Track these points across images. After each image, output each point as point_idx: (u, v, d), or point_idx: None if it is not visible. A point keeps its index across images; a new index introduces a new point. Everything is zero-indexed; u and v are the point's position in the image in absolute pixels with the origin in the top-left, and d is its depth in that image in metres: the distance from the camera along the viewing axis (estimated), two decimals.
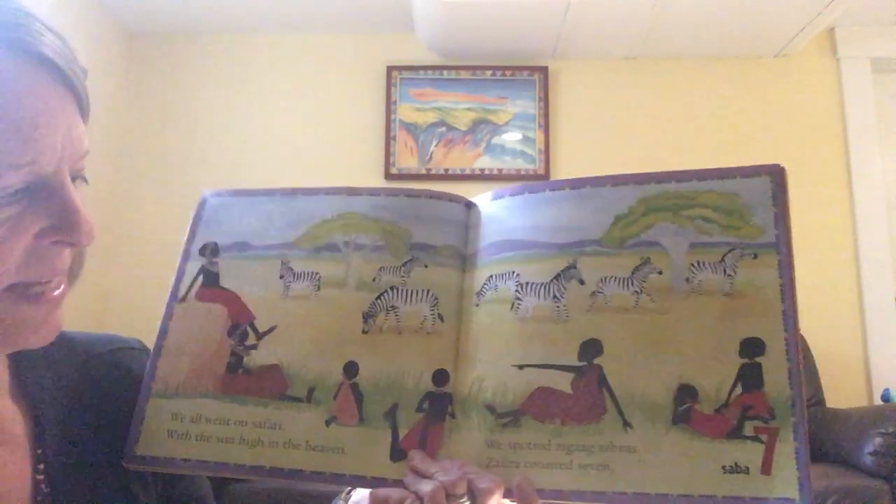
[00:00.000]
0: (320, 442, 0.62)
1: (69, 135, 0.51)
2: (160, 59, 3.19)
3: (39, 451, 0.59)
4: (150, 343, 0.70)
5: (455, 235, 0.68)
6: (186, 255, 0.71)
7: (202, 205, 0.73)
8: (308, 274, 0.68)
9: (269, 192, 0.72)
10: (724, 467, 0.56)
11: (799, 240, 2.47)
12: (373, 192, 0.70)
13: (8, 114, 0.47)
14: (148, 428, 0.64)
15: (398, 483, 0.60)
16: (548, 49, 3.09)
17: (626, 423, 0.59)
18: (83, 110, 0.54)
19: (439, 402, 0.63)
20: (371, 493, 0.62)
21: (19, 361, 0.61)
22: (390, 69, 3.13)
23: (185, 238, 0.71)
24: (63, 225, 0.51)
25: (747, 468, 0.55)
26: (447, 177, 3.06)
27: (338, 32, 3.20)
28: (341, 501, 0.66)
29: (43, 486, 0.58)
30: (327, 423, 0.63)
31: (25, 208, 0.49)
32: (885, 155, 3.11)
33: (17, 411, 0.60)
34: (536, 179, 3.06)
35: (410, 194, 0.69)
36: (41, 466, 0.58)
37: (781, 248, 0.60)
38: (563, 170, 3.09)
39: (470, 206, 0.70)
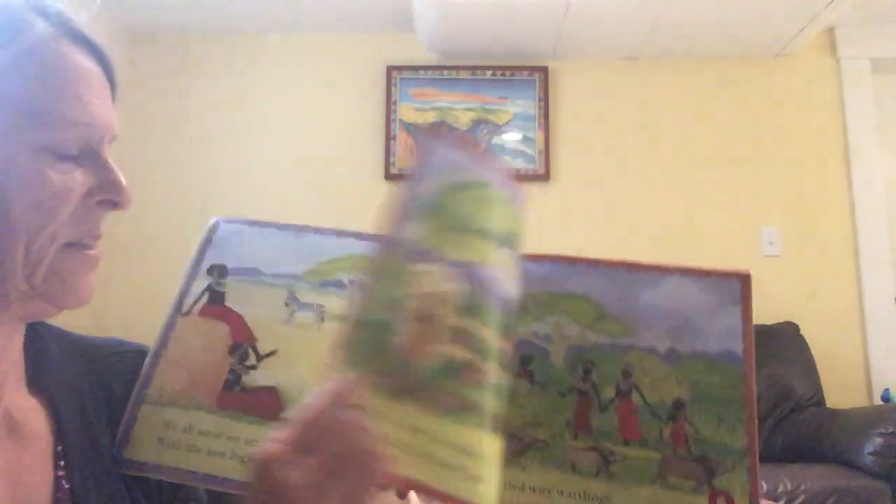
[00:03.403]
0: None
1: (110, 114, 0.58)
2: (160, 59, 3.19)
3: (60, 448, 0.60)
4: None
5: None
6: (193, 274, 0.71)
7: (213, 229, 0.74)
8: (313, 305, 0.69)
9: (282, 227, 0.74)
10: None
11: (799, 240, 2.48)
12: (376, 238, 0.71)
13: (67, 79, 0.54)
14: (138, 433, 0.64)
15: None
16: (548, 49, 3.09)
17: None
18: (113, 93, 0.60)
19: None
20: None
21: (33, 356, 0.62)
22: (390, 69, 3.13)
23: (193, 258, 0.72)
24: (107, 185, 0.57)
25: None
26: None
27: (338, 32, 3.20)
28: None
29: (63, 482, 0.59)
30: None
31: (77, 167, 0.55)
32: (885, 155, 3.11)
33: (38, 406, 0.60)
34: (536, 179, 3.06)
35: None
36: (62, 463, 0.59)
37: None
38: (563, 170, 3.09)
39: None
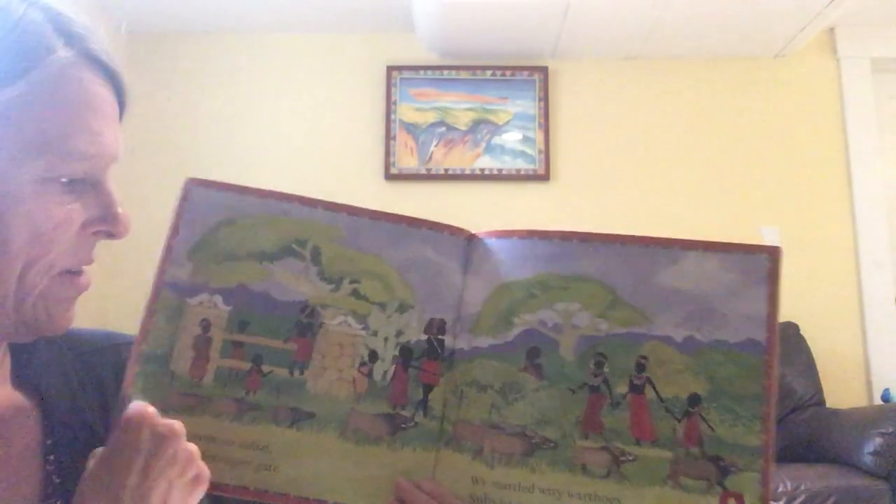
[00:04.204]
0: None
1: (117, 141, 0.57)
2: (160, 59, 3.19)
3: (49, 442, 0.59)
4: None
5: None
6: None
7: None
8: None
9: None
10: None
11: (799, 240, 2.48)
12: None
13: (82, 110, 0.54)
14: None
15: None
16: (548, 49, 3.09)
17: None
18: (121, 116, 0.60)
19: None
20: None
21: (19, 352, 0.62)
22: (390, 69, 3.13)
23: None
24: (106, 217, 0.57)
25: None
26: (447, 177, 3.07)
27: (338, 32, 3.20)
28: None
29: (53, 476, 0.58)
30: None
31: (78, 198, 0.55)
32: (885, 155, 3.11)
33: (25, 401, 0.60)
34: (536, 179, 3.06)
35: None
36: (51, 457, 0.59)
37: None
38: (563, 170, 3.09)
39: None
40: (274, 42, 3.21)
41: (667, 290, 0.61)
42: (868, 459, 2.17)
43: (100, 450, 0.55)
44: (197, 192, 0.66)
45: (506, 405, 0.62)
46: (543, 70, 3.13)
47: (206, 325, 0.63)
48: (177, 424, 0.55)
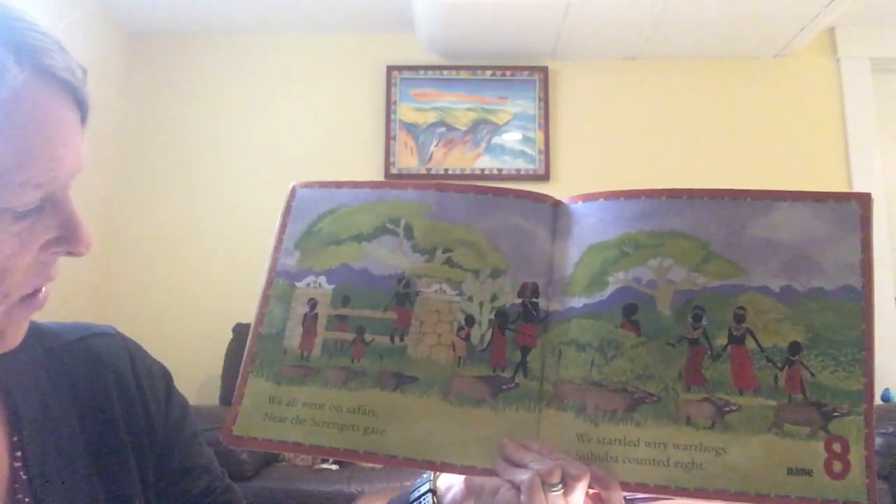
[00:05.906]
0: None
1: (78, 156, 0.53)
2: (160, 59, 3.19)
3: (16, 439, 0.58)
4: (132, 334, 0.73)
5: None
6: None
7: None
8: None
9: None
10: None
11: None
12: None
13: (37, 136, 0.49)
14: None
15: (489, 472, 0.60)
16: (548, 49, 3.09)
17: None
18: (84, 122, 0.55)
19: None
20: (466, 481, 0.63)
21: None
22: (390, 69, 3.13)
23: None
24: (68, 236, 0.53)
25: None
26: (447, 177, 3.07)
27: (338, 32, 3.20)
28: (430, 482, 0.67)
29: (21, 472, 0.58)
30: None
31: (35, 221, 0.51)
32: (885, 155, 3.11)
33: None
34: (537, 179, 3.06)
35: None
36: (18, 454, 0.58)
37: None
38: (563, 170, 3.10)
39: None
40: (274, 42, 3.21)
41: (760, 241, 0.62)
42: None
43: None
44: (301, 192, 0.72)
45: (605, 362, 0.62)
46: (543, 70, 3.13)
47: (312, 304, 0.68)
48: None
